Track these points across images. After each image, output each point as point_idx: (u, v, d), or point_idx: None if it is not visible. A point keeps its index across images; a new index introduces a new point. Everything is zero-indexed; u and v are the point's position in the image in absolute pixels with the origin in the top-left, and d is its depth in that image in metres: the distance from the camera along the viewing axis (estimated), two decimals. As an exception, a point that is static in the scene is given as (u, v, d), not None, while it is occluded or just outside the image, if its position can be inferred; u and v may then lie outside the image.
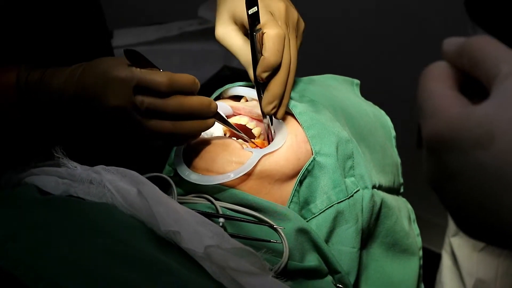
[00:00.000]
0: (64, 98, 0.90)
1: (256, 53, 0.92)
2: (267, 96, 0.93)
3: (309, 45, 2.32)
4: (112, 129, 0.90)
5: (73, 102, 0.89)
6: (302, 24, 1.01)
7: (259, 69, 0.92)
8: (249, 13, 0.91)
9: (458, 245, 1.83)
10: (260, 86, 0.94)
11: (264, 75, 0.92)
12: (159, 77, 0.85)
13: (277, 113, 0.95)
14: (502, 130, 0.46)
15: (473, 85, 0.53)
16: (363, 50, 2.28)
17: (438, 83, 0.53)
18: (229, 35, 0.98)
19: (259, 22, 0.92)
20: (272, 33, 0.91)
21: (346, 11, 2.24)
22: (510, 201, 0.46)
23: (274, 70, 0.92)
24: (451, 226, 1.87)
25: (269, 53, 0.91)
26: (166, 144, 0.96)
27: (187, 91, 0.88)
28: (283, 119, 0.98)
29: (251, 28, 0.92)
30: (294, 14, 1.00)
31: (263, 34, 0.92)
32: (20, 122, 0.94)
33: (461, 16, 1.99)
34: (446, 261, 1.91)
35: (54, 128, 0.94)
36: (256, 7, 0.91)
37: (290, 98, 1.00)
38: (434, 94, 0.52)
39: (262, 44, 0.92)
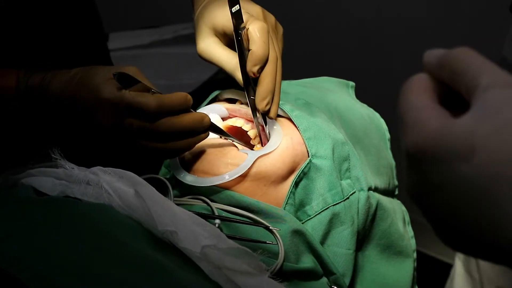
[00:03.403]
0: (61, 106, 0.90)
1: (243, 51, 0.93)
2: (260, 91, 0.94)
3: (304, 47, 2.33)
4: (106, 143, 0.90)
5: (69, 111, 0.90)
6: (280, 28, 1.02)
7: (249, 64, 0.92)
8: (232, 11, 0.91)
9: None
10: (250, 86, 0.95)
11: (255, 68, 0.92)
12: (148, 100, 0.85)
13: (270, 112, 0.95)
14: (482, 142, 0.46)
15: (454, 97, 0.53)
16: (358, 52, 2.29)
17: (418, 96, 0.53)
18: (211, 46, 0.98)
19: (242, 21, 0.93)
20: (256, 26, 0.92)
21: (343, 12, 2.24)
22: (492, 213, 0.46)
23: (264, 64, 0.93)
24: None
25: (257, 45, 0.92)
26: (160, 160, 0.97)
27: (179, 111, 0.88)
28: (279, 121, 0.99)
29: (235, 27, 0.92)
30: (271, 17, 1.01)
31: (247, 30, 0.92)
32: (18, 124, 0.94)
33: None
34: (458, 269, 1.90)
35: (51, 131, 0.94)
36: (238, 5, 0.92)
37: (286, 101, 1.01)
38: (415, 107, 0.52)
39: (248, 42, 0.92)
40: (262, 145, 0.99)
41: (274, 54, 0.94)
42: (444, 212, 0.49)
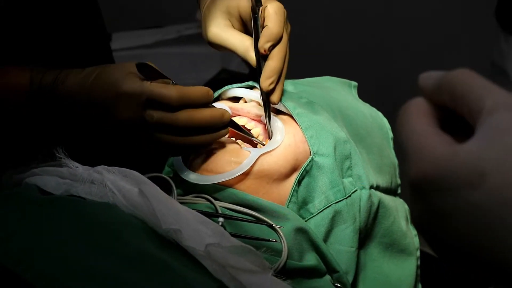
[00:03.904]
0: (76, 105, 0.90)
1: (258, 28, 0.93)
2: (266, 69, 0.94)
3: (307, 47, 2.33)
4: (122, 139, 0.90)
5: (84, 110, 0.90)
6: (289, 25, 1.02)
7: (262, 40, 0.93)
8: None
9: None
10: (261, 70, 0.95)
11: (267, 45, 0.92)
12: (170, 91, 0.85)
13: (273, 94, 0.95)
14: (492, 167, 0.45)
15: (454, 120, 0.51)
16: (361, 52, 2.29)
17: (418, 121, 0.52)
18: (224, 30, 0.98)
19: (261, 3, 0.93)
20: (274, 5, 0.93)
21: (346, 12, 2.25)
22: (506, 238, 0.44)
23: (276, 43, 0.93)
24: None
25: (272, 23, 0.92)
26: (177, 155, 0.97)
27: (199, 104, 0.88)
28: (281, 119, 0.99)
29: (253, 4, 0.93)
30: (285, 11, 1.01)
31: (264, 9, 0.93)
32: (27, 123, 0.94)
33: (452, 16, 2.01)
34: None
35: (61, 130, 0.94)
36: None
37: (289, 100, 1.01)
38: (416, 133, 0.51)
39: (264, 21, 0.93)
40: (266, 141, 0.99)
41: (286, 38, 0.94)
42: (453, 240, 0.47)
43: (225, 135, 0.92)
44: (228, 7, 0.98)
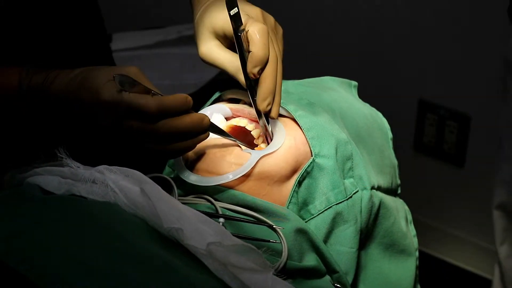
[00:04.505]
0: (63, 106, 0.90)
1: (243, 52, 0.93)
2: (260, 92, 0.94)
3: (307, 48, 2.33)
4: (107, 142, 0.91)
5: (70, 111, 0.90)
6: (280, 29, 1.02)
7: (249, 66, 0.93)
8: (231, 14, 0.92)
9: (505, 255, 1.83)
10: (253, 88, 0.95)
11: (256, 70, 0.92)
12: (148, 102, 0.85)
13: (271, 112, 0.95)
14: None
15: None
16: (361, 52, 2.29)
17: None
18: (213, 50, 0.98)
19: (241, 24, 0.93)
20: (255, 28, 0.92)
21: (345, 12, 2.25)
22: None
23: (265, 65, 0.93)
24: (498, 233, 1.87)
25: (257, 47, 0.92)
26: (162, 160, 0.97)
27: (179, 112, 0.88)
28: (282, 121, 0.99)
29: (235, 30, 0.93)
30: (271, 18, 1.01)
31: (247, 33, 0.93)
32: (21, 123, 0.95)
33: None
34: (496, 272, 1.92)
35: (54, 130, 0.95)
36: (236, 8, 0.92)
37: (290, 101, 1.01)
38: None
39: (248, 43, 0.93)
40: (266, 145, 1.00)
41: (274, 55, 0.94)
42: None
43: (205, 139, 0.92)
44: (214, 28, 0.98)
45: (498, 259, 1.89)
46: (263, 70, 0.93)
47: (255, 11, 0.98)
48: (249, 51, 0.93)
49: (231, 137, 0.96)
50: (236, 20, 0.92)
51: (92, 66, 0.91)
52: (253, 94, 0.96)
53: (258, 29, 0.92)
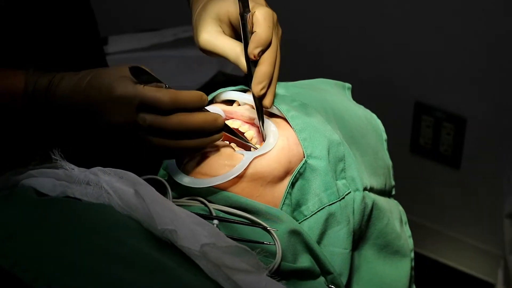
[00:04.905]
0: (69, 108, 0.90)
1: (247, 34, 0.94)
2: (256, 75, 0.94)
3: (303, 49, 2.33)
4: (115, 142, 0.91)
5: (77, 113, 0.90)
6: (279, 29, 1.03)
7: (251, 46, 0.93)
8: None
9: None
10: (253, 74, 0.95)
11: (257, 50, 0.93)
12: (162, 94, 0.86)
13: (265, 98, 0.95)
14: None
15: None
16: (358, 54, 2.29)
17: None
18: (215, 36, 0.98)
19: (248, 9, 0.94)
20: (262, 10, 0.93)
21: (341, 14, 2.25)
22: None
23: (266, 48, 0.94)
24: (508, 242, 1.87)
25: (261, 28, 0.92)
26: (170, 158, 0.97)
27: (192, 108, 0.88)
28: (275, 121, 1.00)
29: (242, 11, 0.93)
30: (275, 14, 1.01)
31: (252, 15, 0.93)
32: (23, 125, 0.95)
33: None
34: (500, 276, 1.92)
35: (56, 132, 0.95)
36: None
37: (283, 102, 1.02)
38: None
39: (253, 27, 0.93)
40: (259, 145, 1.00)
41: (276, 42, 0.95)
42: None
43: (219, 139, 0.92)
44: (218, 14, 0.98)
45: (507, 267, 1.89)
46: (264, 52, 0.94)
47: (262, 1, 0.99)
48: (252, 33, 0.93)
49: (244, 139, 0.97)
50: (244, 3, 0.93)
51: (99, 68, 0.92)
52: (252, 78, 0.95)
53: (264, 12, 0.93)
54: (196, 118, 0.88)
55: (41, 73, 0.94)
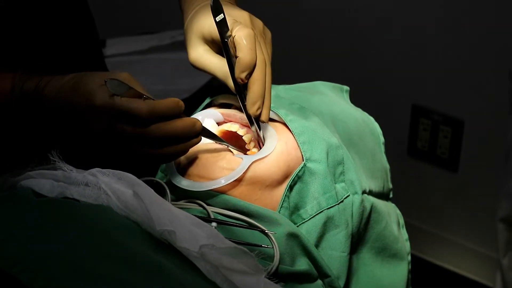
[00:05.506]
0: (55, 111, 0.91)
1: (231, 58, 0.93)
2: (249, 97, 0.94)
3: (300, 52, 2.34)
4: (99, 146, 0.91)
5: (64, 115, 0.90)
6: (268, 32, 1.02)
7: (237, 71, 0.93)
8: (217, 20, 0.92)
9: (507, 267, 1.84)
10: (243, 93, 0.95)
11: (243, 75, 0.93)
12: (140, 106, 0.85)
13: (261, 115, 0.96)
14: None
15: None
16: (355, 57, 2.30)
17: None
18: (202, 55, 0.99)
19: (228, 29, 0.94)
20: (241, 33, 0.93)
21: (339, 16, 2.25)
22: None
23: (252, 70, 0.93)
24: (502, 246, 1.88)
25: (243, 52, 0.92)
26: (154, 165, 0.97)
27: (170, 116, 0.88)
28: (274, 126, 1.00)
29: (221, 36, 0.93)
30: (259, 22, 1.01)
31: (233, 38, 0.93)
32: (14, 128, 0.95)
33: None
34: (498, 280, 1.93)
35: (47, 135, 0.95)
36: (222, 14, 0.92)
37: (281, 106, 1.02)
38: None
39: (235, 49, 0.93)
40: (258, 149, 1.00)
41: (262, 59, 0.94)
42: None
43: (197, 143, 0.92)
44: (202, 33, 0.98)
45: (502, 270, 1.89)
46: (251, 74, 0.94)
47: (243, 15, 0.98)
48: (236, 56, 0.93)
49: (223, 141, 0.96)
50: (222, 26, 0.93)
51: (84, 72, 0.92)
52: (243, 99, 0.96)
53: (244, 34, 0.92)
54: (174, 126, 0.88)
55: (29, 76, 0.94)
